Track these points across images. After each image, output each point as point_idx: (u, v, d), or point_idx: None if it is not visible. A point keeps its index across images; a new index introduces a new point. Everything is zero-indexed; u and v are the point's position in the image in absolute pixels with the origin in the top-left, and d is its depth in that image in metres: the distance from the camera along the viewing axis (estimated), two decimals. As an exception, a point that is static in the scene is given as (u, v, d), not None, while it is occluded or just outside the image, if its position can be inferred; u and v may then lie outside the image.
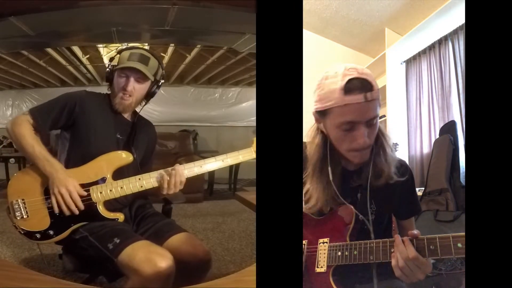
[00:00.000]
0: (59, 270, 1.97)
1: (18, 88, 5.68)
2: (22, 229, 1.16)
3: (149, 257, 1.05)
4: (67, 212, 1.16)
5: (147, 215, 1.36)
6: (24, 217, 1.16)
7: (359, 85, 0.88)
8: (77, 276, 1.51)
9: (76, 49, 3.87)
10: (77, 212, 1.16)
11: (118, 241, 1.10)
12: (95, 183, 1.21)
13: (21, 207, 1.16)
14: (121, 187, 1.21)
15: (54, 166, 1.17)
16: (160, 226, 1.30)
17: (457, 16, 2.56)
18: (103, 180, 1.22)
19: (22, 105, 5.73)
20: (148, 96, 1.39)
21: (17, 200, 1.16)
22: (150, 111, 5.62)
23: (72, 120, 1.26)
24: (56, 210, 1.15)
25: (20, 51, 3.73)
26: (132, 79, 1.31)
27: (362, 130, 0.92)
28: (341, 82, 0.89)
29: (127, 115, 1.40)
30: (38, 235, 1.17)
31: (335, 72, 0.92)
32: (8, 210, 1.17)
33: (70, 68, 4.66)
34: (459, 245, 0.76)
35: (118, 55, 1.34)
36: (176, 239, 1.25)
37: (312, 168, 1.03)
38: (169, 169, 1.24)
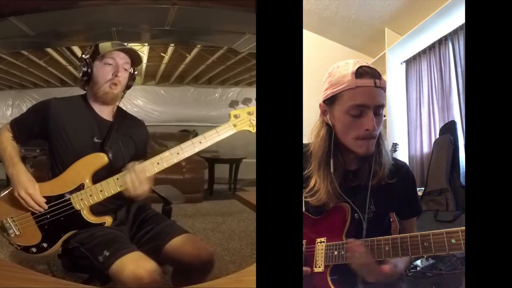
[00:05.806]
0: (59, 270, 1.96)
1: (18, 88, 5.68)
2: (18, 245, 1.18)
3: (136, 272, 1.03)
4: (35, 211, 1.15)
5: (148, 217, 1.34)
6: (17, 233, 1.17)
7: (369, 71, 0.95)
8: (77, 276, 1.51)
9: (76, 49, 3.87)
10: (42, 211, 1.16)
11: (108, 254, 1.09)
12: (75, 190, 1.18)
13: (12, 225, 1.16)
14: (101, 190, 1.17)
15: (16, 168, 1.16)
16: (162, 228, 1.28)
17: (457, 16, 2.56)
18: (82, 186, 1.18)
19: (22, 105, 5.72)
20: (125, 88, 1.33)
21: (6, 220, 1.16)
22: (150, 111, 5.64)
23: (46, 130, 1.23)
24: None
25: (20, 51, 3.73)
26: (120, 66, 1.25)
27: (370, 116, 0.94)
28: (352, 68, 0.94)
29: (107, 115, 1.31)
30: (34, 249, 1.18)
31: (345, 62, 0.98)
32: (1, 230, 1.18)
33: (70, 68, 4.66)
34: (453, 240, 0.77)
35: (94, 48, 1.27)
36: (179, 241, 1.24)
37: (318, 162, 1.03)
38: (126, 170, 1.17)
